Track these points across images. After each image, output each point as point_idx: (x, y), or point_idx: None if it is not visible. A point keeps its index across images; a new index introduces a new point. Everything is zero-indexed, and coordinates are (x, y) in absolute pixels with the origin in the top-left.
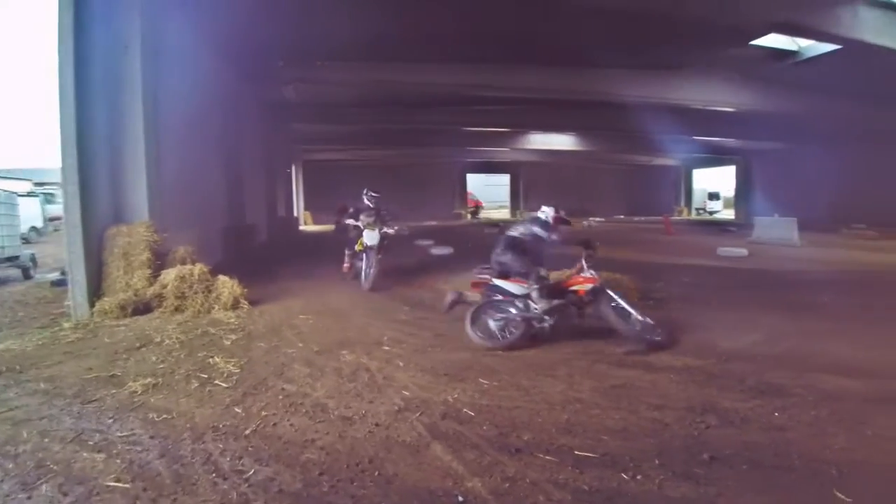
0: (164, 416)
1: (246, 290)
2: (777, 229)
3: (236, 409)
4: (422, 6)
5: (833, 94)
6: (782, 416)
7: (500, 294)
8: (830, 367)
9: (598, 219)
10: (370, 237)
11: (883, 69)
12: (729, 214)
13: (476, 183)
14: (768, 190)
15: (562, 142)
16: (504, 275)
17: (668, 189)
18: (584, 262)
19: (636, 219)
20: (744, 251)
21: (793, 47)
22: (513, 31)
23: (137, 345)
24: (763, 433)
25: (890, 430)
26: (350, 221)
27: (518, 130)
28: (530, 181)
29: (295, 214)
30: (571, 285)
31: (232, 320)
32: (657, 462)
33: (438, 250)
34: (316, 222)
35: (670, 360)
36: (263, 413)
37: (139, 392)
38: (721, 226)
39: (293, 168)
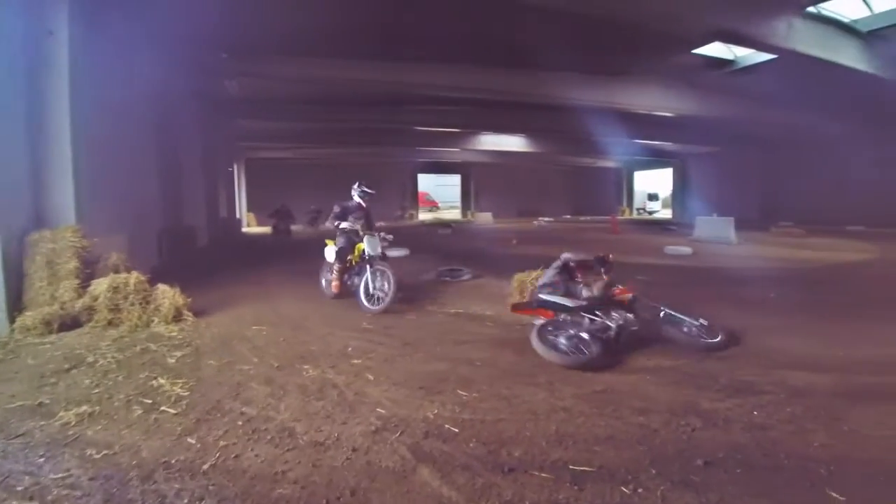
0: (105, 451)
1: (189, 299)
2: (716, 228)
3: (189, 440)
4: (373, 2)
5: (764, 102)
6: (761, 414)
7: (553, 309)
8: (794, 363)
9: (547, 219)
10: (372, 244)
11: (809, 80)
12: (667, 214)
13: (427, 183)
14: (703, 190)
15: (512, 143)
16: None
17: (611, 190)
18: (604, 275)
19: (582, 218)
20: (689, 249)
21: (730, 56)
22: (462, 31)
23: (67, 366)
24: (747, 433)
25: (863, 425)
26: (345, 224)
27: (469, 131)
28: (481, 181)
29: (238, 216)
30: (613, 297)
31: (175, 334)
32: (654, 471)
33: (394, 252)
34: (260, 224)
35: (644, 362)
36: (222, 443)
37: (73, 423)
38: (662, 225)
39: (235, 167)
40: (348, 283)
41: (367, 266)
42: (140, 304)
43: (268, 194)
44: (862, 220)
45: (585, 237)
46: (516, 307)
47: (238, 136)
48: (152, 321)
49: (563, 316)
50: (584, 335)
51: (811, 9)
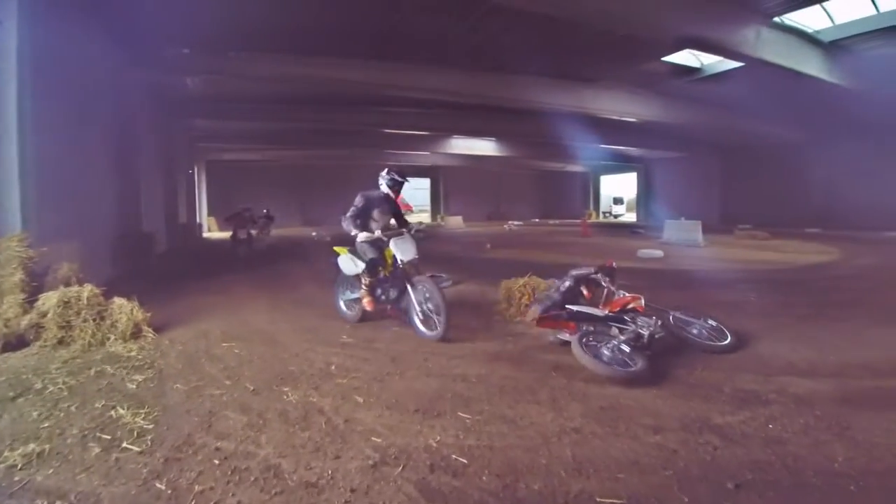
0: (59, 502)
1: (149, 314)
2: (684, 231)
3: (158, 485)
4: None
5: (726, 109)
6: (775, 427)
7: (581, 320)
8: (791, 369)
9: (517, 222)
10: (404, 248)
11: (770, 88)
12: (631, 217)
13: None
14: (667, 194)
15: (484, 147)
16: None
17: (578, 194)
18: (609, 286)
19: (551, 221)
20: (660, 252)
21: (697, 64)
22: (437, 33)
23: (11, 394)
24: (767, 449)
25: (875, 433)
26: (363, 236)
27: (441, 134)
28: (451, 185)
29: (198, 220)
30: (625, 305)
31: (134, 354)
32: (685, 499)
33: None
34: (221, 229)
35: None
36: (197, 487)
37: (19, 466)
38: (630, 228)
39: (195, 169)
40: (382, 297)
41: (406, 278)
42: (94, 320)
43: (230, 198)
44: (818, 223)
45: (557, 240)
46: (542, 321)
47: (199, 137)
48: (108, 339)
49: (586, 327)
50: (625, 347)
51: (777, 19)
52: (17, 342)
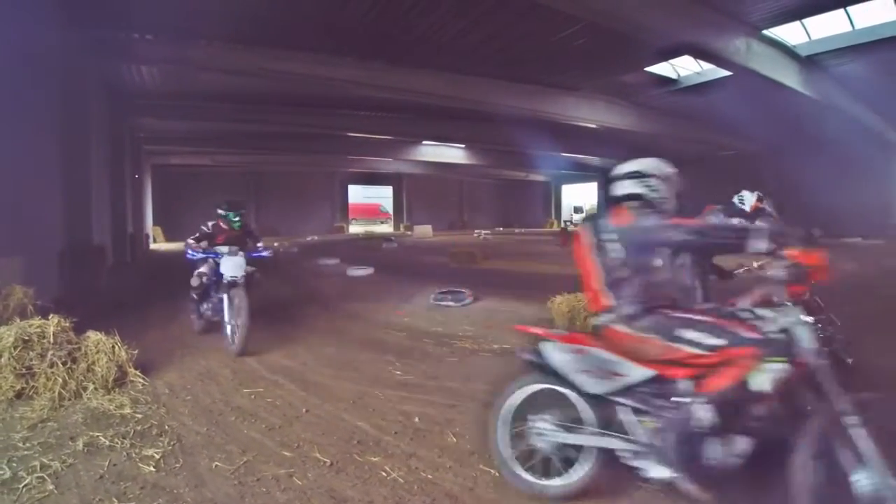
0: None
1: (135, 351)
2: None
3: None
4: None
5: (694, 120)
6: None
7: None
8: None
9: (486, 231)
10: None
11: (741, 100)
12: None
13: (355, 195)
14: None
15: (450, 155)
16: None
17: (539, 203)
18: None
19: (517, 230)
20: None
21: (674, 76)
22: (416, 32)
23: None
24: None
25: None
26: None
27: (405, 140)
28: (413, 193)
29: (145, 231)
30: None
31: (129, 411)
32: None
33: (356, 271)
34: (168, 239)
35: None
36: None
37: None
38: None
39: (143, 174)
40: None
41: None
42: (64, 363)
43: (178, 207)
44: None
45: (539, 250)
46: None
47: (145, 139)
48: (85, 389)
49: None
50: None
51: (764, 32)
52: None
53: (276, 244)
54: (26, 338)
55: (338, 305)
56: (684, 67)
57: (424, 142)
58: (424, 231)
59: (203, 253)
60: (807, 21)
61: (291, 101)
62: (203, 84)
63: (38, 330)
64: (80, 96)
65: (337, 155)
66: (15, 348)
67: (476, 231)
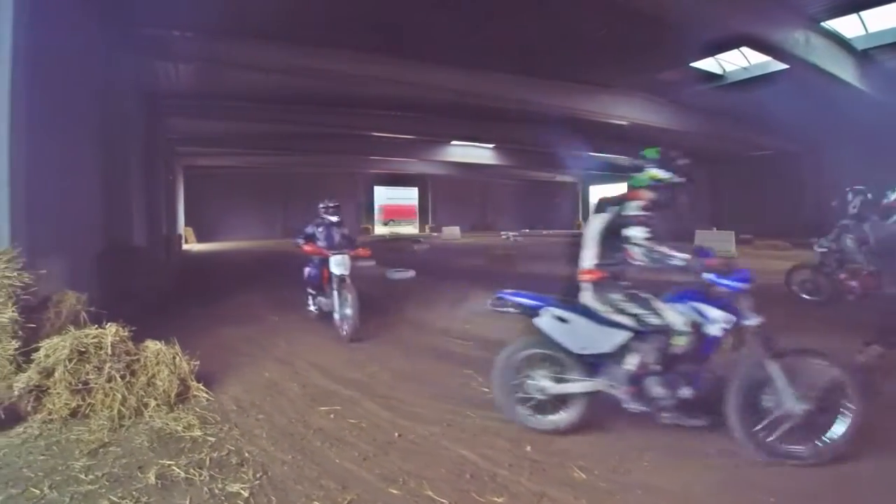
0: None
1: (196, 363)
2: (715, 241)
3: None
4: None
5: (733, 119)
6: None
7: None
8: None
9: (513, 233)
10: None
11: (786, 98)
12: None
13: (380, 196)
14: None
15: (478, 155)
16: None
17: (566, 204)
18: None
19: (544, 232)
20: None
21: (719, 71)
22: (451, 29)
23: None
24: None
25: None
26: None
27: (433, 139)
28: (438, 195)
29: (178, 232)
30: None
31: (198, 433)
32: None
33: (397, 273)
34: (199, 240)
35: None
36: None
37: None
38: None
39: (175, 175)
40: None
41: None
42: (122, 377)
43: (208, 207)
44: (815, 233)
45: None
46: None
47: (177, 140)
48: (146, 406)
49: None
50: None
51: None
52: (8, 416)
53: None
54: (82, 349)
55: (388, 310)
56: (731, 62)
57: (453, 142)
58: (452, 232)
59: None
60: (864, 14)
61: (320, 101)
62: (234, 84)
63: (95, 340)
64: (119, 96)
65: (363, 156)
66: (70, 361)
67: (503, 232)
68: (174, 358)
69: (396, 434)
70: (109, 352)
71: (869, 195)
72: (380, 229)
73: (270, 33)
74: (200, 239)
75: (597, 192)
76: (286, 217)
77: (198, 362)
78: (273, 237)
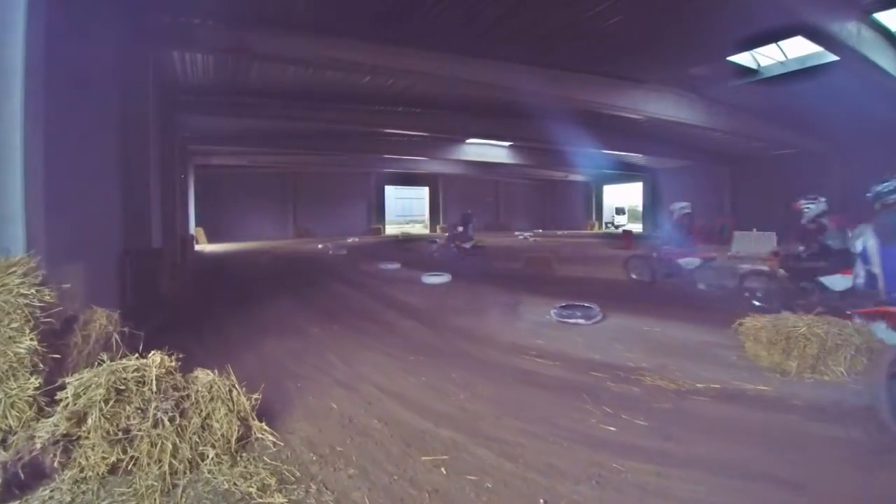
0: None
1: (257, 397)
2: (756, 243)
3: None
4: None
5: (764, 116)
6: None
7: None
8: None
9: (528, 233)
10: None
11: (819, 93)
12: (635, 228)
13: (390, 195)
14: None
15: (493, 154)
16: None
17: (580, 204)
18: None
19: (559, 232)
20: (762, 268)
21: (754, 66)
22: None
23: None
24: None
25: None
26: None
27: (447, 138)
28: (449, 194)
29: (191, 232)
30: None
31: (279, 499)
32: None
33: (432, 278)
34: (210, 241)
35: None
36: None
37: None
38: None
39: (187, 174)
40: None
41: None
42: (171, 419)
43: (219, 207)
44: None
45: (598, 253)
46: None
47: (190, 138)
48: (202, 457)
49: None
50: None
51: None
52: (30, 473)
53: (320, 246)
54: (121, 386)
55: (437, 320)
56: (768, 57)
57: (469, 140)
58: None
59: None
60: None
61: (337, 97)
62: (253, 78)
63: (137, 374)
64: (139, 91)
65: (376, 155)
66: (106, 403)
67: (518, 232)
68: (230, 391)
69: (542, 501)
70: (154, 388)
71: None
72: (391, 229)
73: (293, 22)
74: (211, 240)
75: (610, 192)
76: (297, 217)
77: (258, 396)
78: (285, 237)
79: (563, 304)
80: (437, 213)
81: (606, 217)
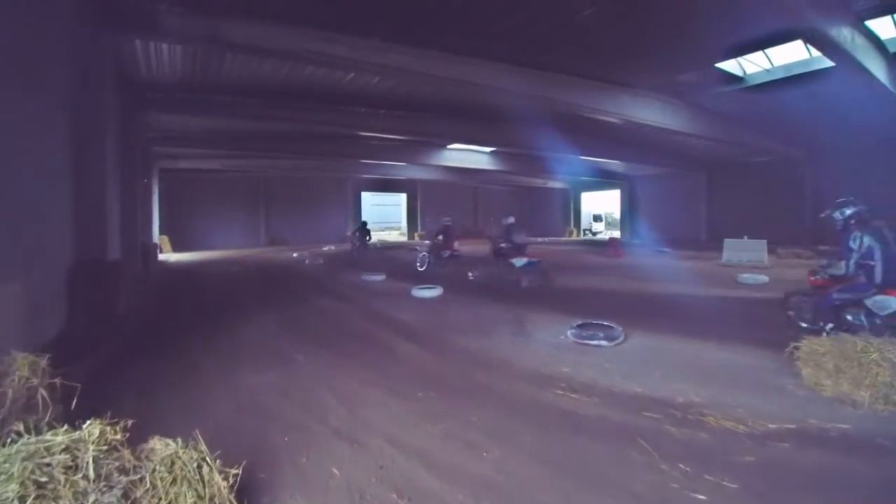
0: None
1: (236, 471)
2: (747, 251)
3: None
4: None
5: (744, 123)
6: None
7: None
8: None
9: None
10: None
11: (801, 101)
12: (613, 235)
13: (365, 202)
14: (652, 211)
15: (474, 160)
16: None
17: (558, 210)
18: None
19: (539, 239)
20: (764, 278)
21: (740, 73)
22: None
23: None
24: None
25: None
26: None
27: (428, 142)
28: (427, 201)
29: (154, 240)
30: None
31: None
32: None
33: (424, 291)
34: (176, 249)
35: None
36: None
37: None
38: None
39: (151, 178)
40: None
41: None
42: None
43: (185, 214)
44: (821, 241)
45: (585, 261)
46: None
47: (155, 139)
48: None
49: None
50: None
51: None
52: None
53: (294, 254)
54: (42, 478)
55: (439, 342)
56: (754, 64)
57: (451, 145)
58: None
59: None
60: None
61: (314, 96)
62: (226, 74)
63: (67, 456)
64: (95, 81)
65: (353, 159)
66: (23, 486)
67: (499, 240)
68: (199, 467)
69: None
70: (91, 475)
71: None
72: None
73: (271, 11)
74: (177, 248)
75: (588, 199)
76: (269, 224)
77: (237, 472)
78: (256, 245)
79: (581, 323)
80: (415, 220)
81: (584, 224)
